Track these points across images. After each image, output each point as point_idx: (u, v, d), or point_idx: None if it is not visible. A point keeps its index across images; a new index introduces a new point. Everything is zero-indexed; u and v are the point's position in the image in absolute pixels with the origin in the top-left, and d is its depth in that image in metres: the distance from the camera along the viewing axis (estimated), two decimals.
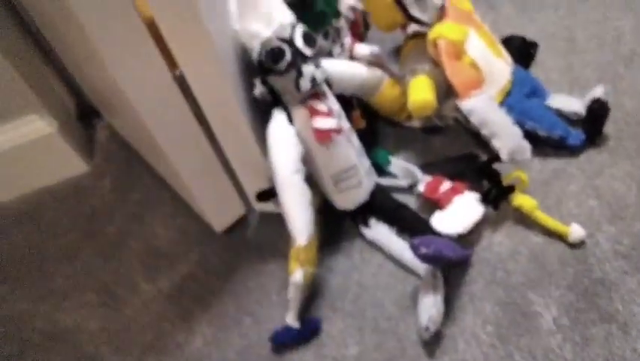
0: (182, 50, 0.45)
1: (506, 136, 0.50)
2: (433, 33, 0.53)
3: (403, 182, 0.57)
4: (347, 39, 0.57)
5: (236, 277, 0.56)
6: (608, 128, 0.56)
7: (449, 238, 0.49)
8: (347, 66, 0.55)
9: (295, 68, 0.47)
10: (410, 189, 0.57)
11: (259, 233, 0.59)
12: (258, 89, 0.48)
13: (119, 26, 0.42)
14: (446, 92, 0.53)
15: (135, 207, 0.65)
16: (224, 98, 0.48)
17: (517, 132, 0.50)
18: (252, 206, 0.59)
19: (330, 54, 0.56)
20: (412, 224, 0.53)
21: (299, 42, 0.47)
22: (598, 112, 0.55)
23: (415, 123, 0.61)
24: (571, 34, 0.67)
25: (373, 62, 0.57)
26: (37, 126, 0.66)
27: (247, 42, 0.47)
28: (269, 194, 0.53)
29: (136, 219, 0.63)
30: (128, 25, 0.42)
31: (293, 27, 0.47)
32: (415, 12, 0.53)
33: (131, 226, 0.63)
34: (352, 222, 0.55)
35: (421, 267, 0.49)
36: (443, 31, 0.52)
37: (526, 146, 0.50)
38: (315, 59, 0.48)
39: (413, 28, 0.57)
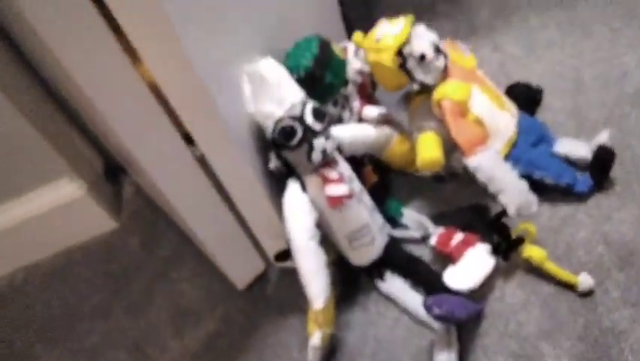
0: (201, 134, 0.49)
1: (513, 192, 0.52)
2: (437, 94, 0.55)
3: (415, 233, 0.59)
4: (356, 103, 0.60)
5: (258, 334, 0.59)
6: (616, 171, 0.57)
7: (462, 293, 0.51)
8: (356, 130, 0.59)
9: (307, 142, 0.50)
10: (423, 240, 0.59)
11: (279, 288, 0.62)
12: (273, 163, 0.52)
13: (139, 111, 0.45)
14: (454, 145, 0.55)
15: (161, 264, 0.68)
16: (242, 172, 0.52)
17: (523, 187, 0.52)
18: (271, 262, 0.61)
19: (340, 120, 0.59)
20: (425, 278, 0.55)
21: (309, 119, 0.50)
22: (604, 159, 0.56)
23: (426, 173, 0.62)
24: (577, 73, 0.68)
25: (382, 120, 0.60)
26: (67, 191, 0.70)
27: (261, 122, 0.51)
28: (286, 254, 0.55)
29: (162, 277, 0.67)
30: (149, 111, 0.46)
31: (303, 104, 0.50)
32: (419, 76, 0.55)
33: (158, 283, 0.67)
34: (368, 276, 0.58)
35: (435, 322, 0.51)
36: (447, 92, 0.54)
37: (532, 200, 0.52)
38: (325, 132, 0.51)
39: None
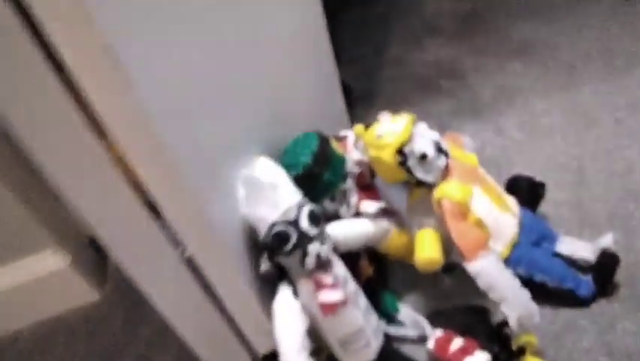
0: (191, 236, 0.46)
1: (514, 302, 0.49)
2: (437, 192, 0.53)
3: (411, 332, 0.57)
4: (354, 198, 0.58)
5: None
6: (620, 274, 0.55)
7: None
8: (353, 226, 0.56)
9: (300, 248, 0.47)
10: (419, 341, 0.56)
11: None
12: (264, 266, 0.49)
13: (120, 208, 0.43)
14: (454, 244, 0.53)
15: (144, 346, 0.65)
16: (231, 273, 0.49)
17: (525, 298, 0.50)
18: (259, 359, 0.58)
19: (336, 215, 0.56)
20: None
21: (304, 223, 0.47)
22: (607, 264, 0.54)
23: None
24: (580, 164, 0.67)
25: (380, 214, 0.58)
26: (50, 262, 0.68)
27: (254, 224, 0.49)
28: (274, 358, 0.52)
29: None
30: (133, 210, 0.43)
31: (299, 207, 0.48)
32: (419, 174, 0.54)
33: None
34: None
35: None
36: (447, 192, 0.53)
37: (534, 311, 0.50)
38: (320, 236, 0.49)
39: None
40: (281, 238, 0.47)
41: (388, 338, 0.55)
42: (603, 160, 0.66)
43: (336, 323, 0.51)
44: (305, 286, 0.50)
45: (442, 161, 0.54)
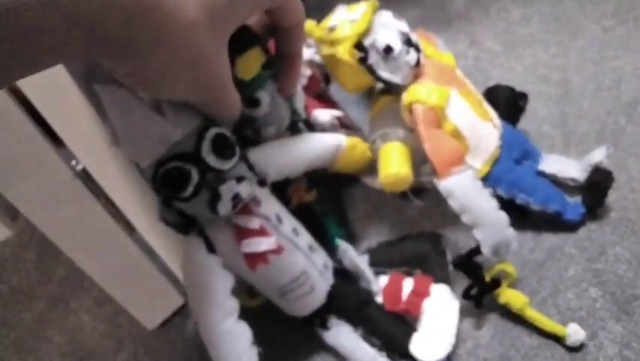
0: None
1: (490, 227, 0.42)
2: (408, 96, 0.44)
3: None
4: (269, 129, 0.43)
5: None
6: (610, 195, 0.48)
7: None
8: (285, 150, 0.43)
9: (208, 189, 0.34)
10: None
11: None
12: (161, 214, 0.36)
13: None
14: (424, 157, 0.44)
15: (59, 287, 0.55)
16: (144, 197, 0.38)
17: (502, 222, 0.42)
18: None
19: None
20: (380, 326, 0.44)
21: (208, 157, 0.34)
22: (599, 182, 0.46)
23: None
24: (564, 76, 0.59)
25: (337, 124, 0.48)
26: None
27: (135, 162, 0.35)
28: None
29: (59, 304, 0.54)
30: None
31: (199, 133, 0.33)
32: (384, 74, 0.44)
33: (52, 312, 0.54)
34: (306, 324, 0.45)
35: None
36: (420, 95, 0.43)
37: (512, 238, 0.42)
38: (236, 169, 0.35)
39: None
40: (174, 180, 0.33)
41: (340, 274, 0.46)
42: (590, 72, 0.59)
43: (270, 273, 0.40)
44: (222, 234, 0.37)
45: (411, 57, 0.44)
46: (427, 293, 0.43)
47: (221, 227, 0.37)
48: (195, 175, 0.33)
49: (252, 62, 0.38)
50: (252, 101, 0.40)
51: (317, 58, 0.48)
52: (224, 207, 0.35)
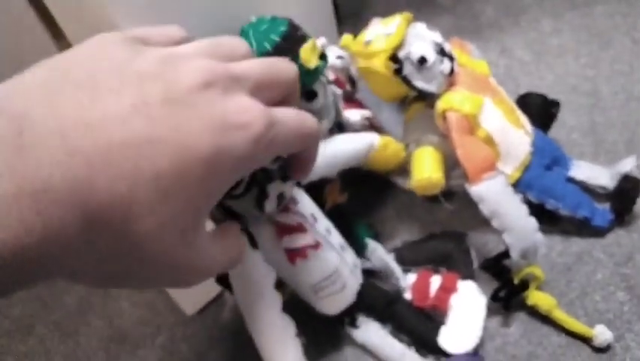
0: None
1: (519, 232, 0.43)
2: (442, 104, 0.46)
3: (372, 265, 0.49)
4: (322, 123, 0.45)
5: None
6: (638, 203, 0.49)
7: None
8: (327, 149, 0.45)
9: (257, 187, 0.36)
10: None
11: (237, 315, 0.51)
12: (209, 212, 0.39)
13: None
14: (456, 162, 0.46)
15: None
16: None
17: (531, 227, 0.43)
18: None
19: None
20: (408, 322, 0.46)
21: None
22: (629, 191, 0.48)
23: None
24: (594, 87, 0.60)
25: (367, 125, 0.50)
26: None
27: None
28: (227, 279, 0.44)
29: (98, 290, 0.56)
30: None
31: None
32: (419, 83, 0.46)
33: (93, 296, 0.56)
34: (337, 323, 0.47)
35: None
36: (454, 103, 0.45)
37: (540, 243, 0.44)
38: (282, 170, 0.37)
39: None
40: None
41: (368, 274, 0.47)
42: (619, 82, 0.60)
43: (306, 269, 0.41)
44: (265, 232, 0.39)
45: (445, 66, 0.46)
46: (455, 289, 0.45)
47: (264, 224, 0.39)
48: (246, 173, 0.35)
49: (314, 50, 0.39)
50: (310, 94, 0.42)
51: (339, 63, 0.50)
52: (270, 205, 0.37)
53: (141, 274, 0.25)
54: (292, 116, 0.29)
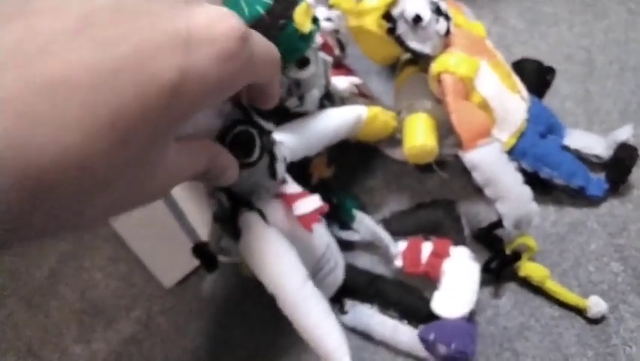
0: None
1: (513, 201, 0.41)
2: (437, 66, 0.43)
3: (360, 237, 0.48)
4: (315, 90, 0.42)
5: (186, 343, 0.46)
6: (633, 173, 0.48)
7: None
8: (303, 129, 0.42)
9: (267, 152, 0.34)
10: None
11: (218, 287, 0.49)
12: (213, 204, 0.36)
13: None
14: (450, 130, 0.44)
15: (71, 243, 0.54)
16: None
17: (525, 196, 0.42)
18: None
19: (283, 111, 0.41)
20: (394, 296, 0.44)
21: (258, 119, 0.33)
22: (625, 160, 0.46)
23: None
24: (589, 56, 0.58)
25: (355, 93, 0.47)
26: None
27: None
28: (206, 254, 0.42)
29: (71, 260, 0.53)
30: None
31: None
32: (413, 44, 0.43)
33: (64, 267, 0.53)
34: None
35: (421, 348, 0.41)
36: (449, 65, 0.43)
37: (534, 212, 0.42)
38: (272, 132, 0.35)
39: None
40: (243, 144, 0.32)
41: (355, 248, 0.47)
42: (614, 52, 0.58)
43: (310, 242, 0.40)
44: (274, 208, 0.36)
45: (441, 25, 0.44)
46: (447, 254, 0.43)
47: (271, 200, 0.37)
48: (257, 137, 0.33)
49: (308, 13, 0.37)
50: (303, 61, 0.39)
51: (327, 25, 0.47)
52: (280, 169, 0.35)
53: (95, 213, 0.21)
54: (261, 38, 0.26)
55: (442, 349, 0.38)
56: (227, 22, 0.22)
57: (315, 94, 0.42)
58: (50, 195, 0.18)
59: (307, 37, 0.38)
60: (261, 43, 0.26)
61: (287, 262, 0.35)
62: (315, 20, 0.38)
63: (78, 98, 0.17)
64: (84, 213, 0.20)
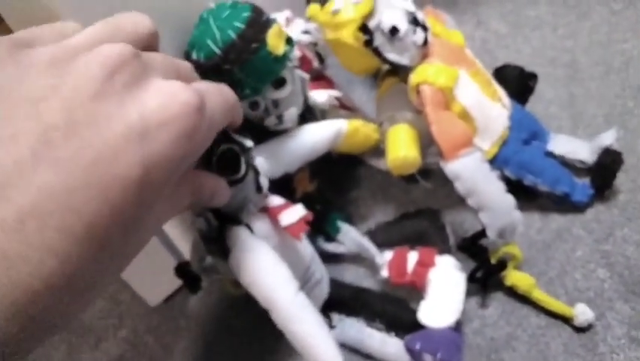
0: None
1: (496, 211, 0.41)
2: (415, 77, 0.43)
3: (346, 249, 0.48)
4: (293, 108, 0.42)
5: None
6: (618, 177, 0.47)
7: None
8: (280, 147, 0.42)
9: (251, 167, 0.35)
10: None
11: (204, 304, 0.49)
12: (200, 223, 0.36)
13: None
14: (432, 139, 0.43)
15: None
16: None
17: (509, 205, 0.41)
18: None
19: (261, 129, 0.41)
20: (380, 307, 0.44)
21: (236, 137, 0.34)
22: (610, 165, 0.46)
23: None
24: (572, 58, 0.58)
25: (336, 105, 0.47)
26: None
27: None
28: (189, 274, 0.42)
29: None
30: None
31: None
32: (390, 55, 0.43)
33: None
34: None
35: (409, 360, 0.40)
36: (428, 76, 0.43)
37: (517, 221, 0.42)
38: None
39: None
40: (229, 162, 0.33)
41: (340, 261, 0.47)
42: (598, 54, 0.58)
43: (296, 254, 0.40)
44: (260, 222, 0.37)
45: (418, 36, 0.43)
46: (433, 263, 0.43)
47: (257, 215, 0.37)
48: (240, 153, 0.33)
49: (281, 35, 0.37)
50: (279, 82, 0.39)
51: (305, 38, 0.47)
52: (265, 183, 0.36)
53: (93, 297, 0.22)
54: (213, 90, 0.26)
55: (428, 358, 0.38)
56: (180, 99, 0.21)
57: (293, 112, 0.42)
58: (43, 316, 0.18)
59: (281, 59, 0.37)
60: (216, 99, 0.25)
61: (279, 274, 0.35)
62: (289, 41, 0.38)
63: (52, 223, 0.18)
64: (80, 306, 0.21)
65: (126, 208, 0.20)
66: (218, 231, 0.36)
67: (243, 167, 0.34)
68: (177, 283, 0.49)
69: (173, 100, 0.21)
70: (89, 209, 0.19)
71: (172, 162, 0.21)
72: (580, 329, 0.42)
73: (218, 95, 0.26)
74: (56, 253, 0.18)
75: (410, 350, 0.39)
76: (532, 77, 0.52)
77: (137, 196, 0.20)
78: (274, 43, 0.36)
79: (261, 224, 0.37)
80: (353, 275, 0.48)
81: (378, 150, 0.49)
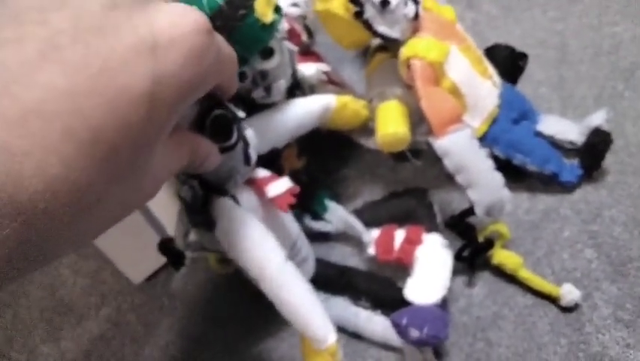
0: None
1: (485, 188, 0.41)
2: (406, 51, 0.42)
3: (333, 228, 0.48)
4: (282, 80, 0.41)
5: (157, 341, 0.45)
6: (607, 158, 0.47)
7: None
8: (267, 122, 0.41)
9: (240, 135, 0.34)
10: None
11: (188, 283, 0.48)
12: (185, 191, 0.35)
13: None
14: (422, 116, 0.43)
15: None
16: None
17: (497, 183, 0.41)
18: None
19: (249, 103, 0.40)
20: (365, 286, 0.44)
21: (229, 105, 0.33)
22: (598, 145, 0.46)
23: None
24: (562, 40, 0.58)
25: (325, 80, 0.46)
26: None
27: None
28: (172, 250, 0.41)
29: None
30: None
31: None
32: (380, 28, 0.42)
33: None
34: None
35: (395, 337, 0.40)
36: (418, 50, 0.42)
37: (506, 199, 0.41)
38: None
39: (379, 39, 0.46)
40: (222, 127, 0.32)
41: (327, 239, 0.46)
42: (588, 37, 0.58)
43: (284, 228, 0.40)
44: (246, 194, 0.36)
45: (409, 9, 0.43)
46: (420, 241, 0.43)
47: (244, 187, 0.37)
48: (232, 120, 0.33)
49: (270, 2, 0.36)
50: (266, 52, 0.38)
51: (294, 10, 0.46)
52: (253, 155, 0.36)
53: (91, 229, 0.21)
54: (220, 36, 0.25)
55: (414, 333, 0.37)
56: (190, 18, 0.21)
57: (282, 84, 0.41)
58: (44, 223, 0.18)
59: (269, 28, 0.36)
60: (223, 40, 0.25)
61: (268, 244, 0.34)
62: (277, 9, 0.37)
63: (56, 125, 0.17)
64: (80, 232, 0.20)
65: (134, 121, 0.19)
66: (203, 201, 0.35)
67: (235, 134, 0.33)
68: (161, 260, 0.48)
69: (184, 19, 0.21)
70: (95, 115, 0.18)
71: (181, 82, 0.21)
72: (566, 309, 0.42)
73: (225, 42, 0.26)
74: (60, 155, 0.17)
75: (397, 325, 0.39)
76: (523, 56, 0.52)
77: (146, 111, 0.20)
78: (262, 10, 0.35)
79: (247, 196, 0.36)
80: (339, 254, 0.48)
81: (367, 128, 0.48)
